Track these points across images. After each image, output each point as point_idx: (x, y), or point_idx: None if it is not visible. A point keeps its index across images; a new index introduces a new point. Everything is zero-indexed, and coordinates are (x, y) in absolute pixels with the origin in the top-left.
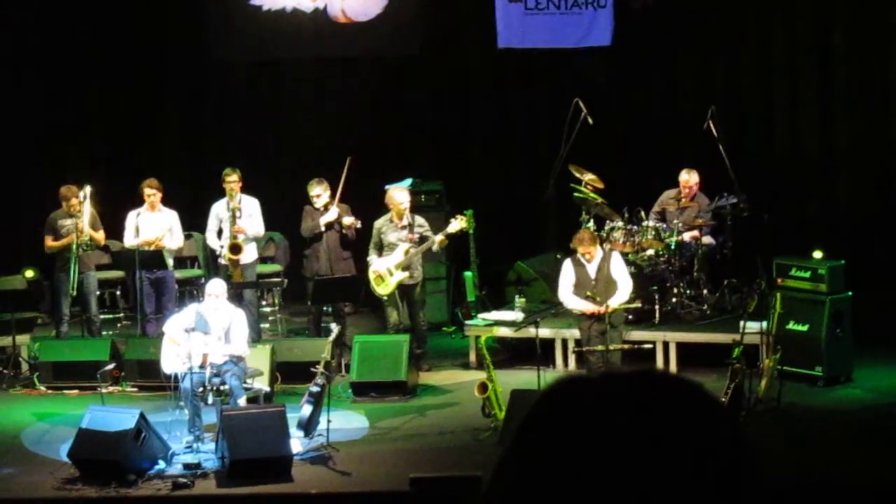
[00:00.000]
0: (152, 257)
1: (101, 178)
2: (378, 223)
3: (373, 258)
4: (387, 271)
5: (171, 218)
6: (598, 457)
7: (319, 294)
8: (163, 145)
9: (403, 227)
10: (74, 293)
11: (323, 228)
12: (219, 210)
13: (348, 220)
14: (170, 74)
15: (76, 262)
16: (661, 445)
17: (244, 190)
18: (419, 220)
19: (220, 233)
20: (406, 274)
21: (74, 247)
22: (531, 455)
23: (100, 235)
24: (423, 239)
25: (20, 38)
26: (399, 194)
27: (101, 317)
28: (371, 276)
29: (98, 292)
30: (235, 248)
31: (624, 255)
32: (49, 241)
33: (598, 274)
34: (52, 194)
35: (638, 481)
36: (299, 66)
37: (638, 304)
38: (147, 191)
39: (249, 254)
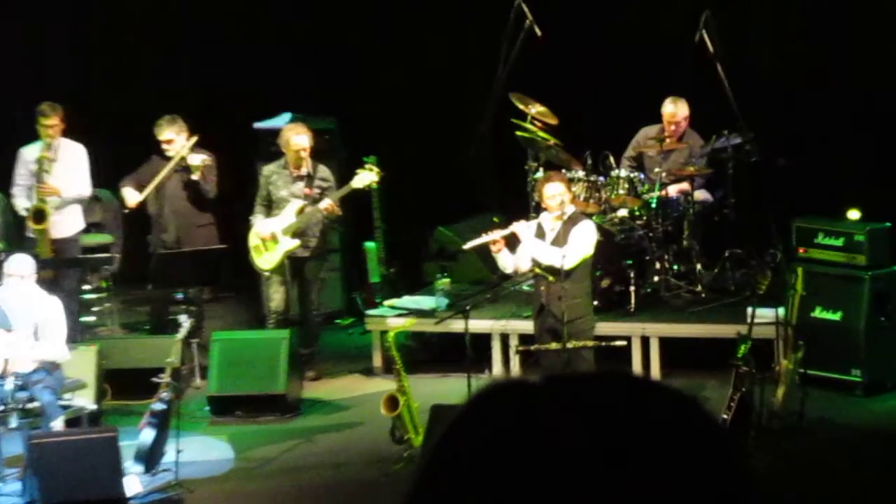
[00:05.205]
0: None
1: None
2: (267, 169)
3: (257, 217)
4: (271, 236)
5: None
6: (539, 497)
7: (162, 274)
8: None
9: (300, 178)
10: None
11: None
12: (30, 158)
13: (195, 158)
14: None
15: None
16: (630, 484)
17: (67, 134)
18: (323, 170)
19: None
20: (297, 242)
21: None
22: (447, 494)
23: None
24: (324, 197)
25: None
26: (297, 137)
27: None
28: (251, 241)
29: None
30: (39, 215)
31: (587, 216)
32: None
33: (556, 237)
34: None
35: None
36: None
37: (606, 283)
38: None
39: (71, 223)
